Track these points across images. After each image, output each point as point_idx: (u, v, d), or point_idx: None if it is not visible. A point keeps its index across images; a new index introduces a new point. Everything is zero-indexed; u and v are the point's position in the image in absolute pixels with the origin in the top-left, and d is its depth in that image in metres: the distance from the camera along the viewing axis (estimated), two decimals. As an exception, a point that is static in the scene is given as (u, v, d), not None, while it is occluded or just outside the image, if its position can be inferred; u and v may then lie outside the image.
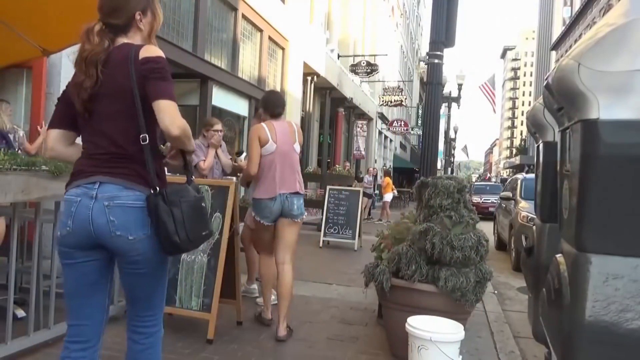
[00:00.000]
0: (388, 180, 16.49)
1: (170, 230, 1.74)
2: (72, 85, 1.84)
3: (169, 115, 1.71)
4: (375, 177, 18.08)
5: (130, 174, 1.78)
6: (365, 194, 15.62)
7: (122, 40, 1.87)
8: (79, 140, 1.94)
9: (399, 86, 25.08)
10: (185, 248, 1.82)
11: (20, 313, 3.40)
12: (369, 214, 15.65)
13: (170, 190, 1.79)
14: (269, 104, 3.81)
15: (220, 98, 10.23)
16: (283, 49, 13.45)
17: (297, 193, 3.65)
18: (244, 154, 5.04)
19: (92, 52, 1.79)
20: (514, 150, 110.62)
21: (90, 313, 1.86)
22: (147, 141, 1.77)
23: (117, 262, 1.86)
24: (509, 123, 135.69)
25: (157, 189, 1.77)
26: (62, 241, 1.80)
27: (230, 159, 4.90)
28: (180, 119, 1.74)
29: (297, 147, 3.77)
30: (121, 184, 1.77)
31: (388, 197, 15.72)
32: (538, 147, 3.27)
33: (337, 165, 15.63)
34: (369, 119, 23.84)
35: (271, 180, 3.58)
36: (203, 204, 1.90)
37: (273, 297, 3.97)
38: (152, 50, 1.80)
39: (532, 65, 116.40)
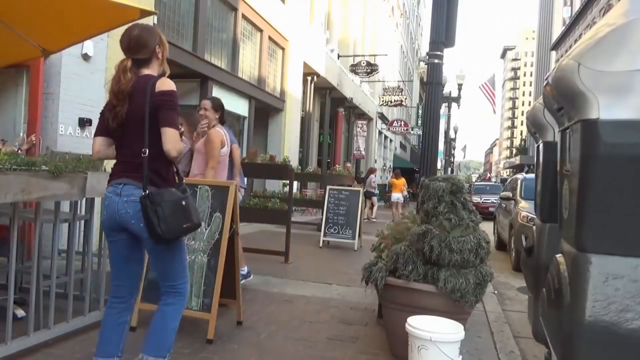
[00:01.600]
0: (396, 180, 16.10)
1: (154, 224, 2.22)
2: (108, 110, 2.36)
3: (171, 141, 2.27)
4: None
5: (135, 176, 2.31)
6: (372, 194, 15.62)
7: (144, 70, 2.39)
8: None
9: (399, 86, 25.09)
10: (167, 238, 2.27)
11: (20, 313, 3.40)
12: (374, 215, 15.45)
13: (155, 192, 2.26)
14: (224, 111, 4.50)
15: (220, 98, 10.22)
16: (283, 49, 13.46)
17: None
18: None
19: (126, 85, 2.31)
20: (514, 150, 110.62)
21: (125, 278, 2.47)
22: (147, 154, 2.29)
23: (144, 243, 2.39)
24: (509, 123, 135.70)
25: (147, 192, 2.26)
26: (103, 225, 2.46)
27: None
28: (179, 144, 2.31)
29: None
30: (135, 185, 2.30)
31: (399, 197, 15.43)
32: (538, 147, 3.26)
33: (337, 165, 15.61)
34: (369, 119, 23.84)
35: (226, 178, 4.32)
36: (184, 203, 2.31)
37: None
38: (166, 85, 2.31)
39: (532, 65, 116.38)
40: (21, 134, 5.02)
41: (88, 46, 6.04)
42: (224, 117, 4.62)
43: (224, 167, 4.51)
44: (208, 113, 4.50)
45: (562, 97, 2.10)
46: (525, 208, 7.78)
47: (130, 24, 2.47)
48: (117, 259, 2.44)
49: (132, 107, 2.29)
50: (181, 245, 2.46)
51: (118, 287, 2.46)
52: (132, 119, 2.30)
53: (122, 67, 2.34)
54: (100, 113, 2.48)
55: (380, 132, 28.24)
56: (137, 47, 2.36)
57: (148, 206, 2.22)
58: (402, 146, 38.94)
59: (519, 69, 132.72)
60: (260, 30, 12.02)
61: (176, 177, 2.43)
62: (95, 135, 2.49)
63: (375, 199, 16.02)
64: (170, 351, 2.50)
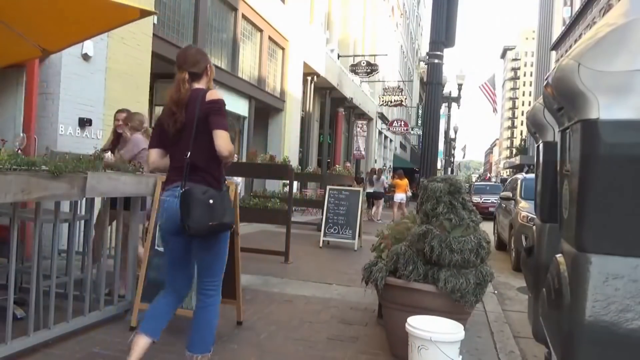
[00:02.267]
0: (400, 180, 16.03)
1: (183, 219, 2.41)
2: (168, 116, 2.57)
3: (223, 141, 2.47)
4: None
5: (196, 179, 2.53)
6: (379, 195, 15.53)
7: (196, 84, 2.64)
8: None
9: (399, 86, 25.09)
10: (195, 233, 2.44)
11: (20, 313, 3.40)
12: (379, 216, 15.36)
13: (187, 190, 2.44)
14: None
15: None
16: (283, 49, 13.46)
17: None
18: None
19: (185, 94, 2.55)
20: (514, 150, 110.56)
21: (178, 274, 2.69)
22: (188, 158, 2.50)
23: (192, 242, 2.58)
24: (509, 123, 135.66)
25: (183, 189, 2.46)
26: (161, 228, 2.68)
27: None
28: (230, 145, 2.50)
29: None
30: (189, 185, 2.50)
31: (402, 197, 15.37)
32: (538, 147, 3.26)
33: (337, 165, 15.61)
34: (369, 119, 23.84)
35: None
36: (211, 201, 2.44)
37: None
38: (214, 95, 2.58)
39: (532, 65, 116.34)
40: (21, 134, 5.02)
41: (88, 46, 6.04)
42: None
43: None
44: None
45: (562, 97, 2.10)
46: (525, 208, 7.78)
47: (187, 45, 2.78)
48: (174, 258, 2.66)
49: (187, 116, 2.53)
50: (222, 244, 2.64)
51: (172, 282, 2.70)
52: (188, 127, 2.53)
53: (181, 79, 2.59)
54: (154, 126, 2.75)
55: (380, 132, 28.24)
56: (193, 62, 2.64)
57: (181, 202, 2.43)
58: (402, 146, 38.94)
59: (519, 69, 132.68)
60: (260, 30, 12.02)
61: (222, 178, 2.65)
62: (151, 147, 2.71)
63: (382, 200, 16.04)
64: (213, 344, 2.68)
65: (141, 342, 2.54)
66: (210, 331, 2.63)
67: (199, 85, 2.64)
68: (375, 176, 15.74)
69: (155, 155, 2.68)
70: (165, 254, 2.74)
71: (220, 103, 2.55)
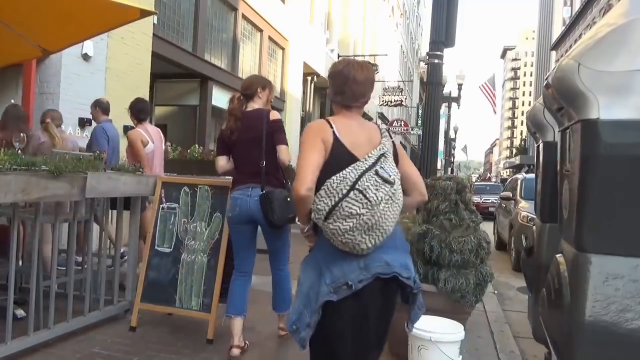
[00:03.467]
0: None
1: (268, 214, 3.05)
2: (225, 129, 3.24)
3: (284, 154, 3.20)
4: None
5: (260, 182, 3.15)
6: None
7: (251, 104, 3.30)
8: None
9: (399, 86, 25.05)
10: (278, 224, 3.11)
11: (20, 313, 3.40)
12: None
13: (269, 191, 3.09)
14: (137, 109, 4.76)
15: (220, 98, 10.21)
16: (283, 49, 13.45)
17: None
18: None
19: (239, 110, 3.26)
20: (514, 150, 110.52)
21: (246, 257, 3.29)
22: (264, 165, 3.15)
23: (262, 229, 3.22)
24: (509, 123, 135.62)
25: (264, 191, 3.10)
26: (231, 220, 3.22)
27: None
28: (288, 156, 3.23)
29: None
30: (259, 187, 3.13)
31: None
32: (538, 147, 3.26)
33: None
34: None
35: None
36: (288, 199, 3.06)
37: None
38: (276, 115, 3.29)
39: (532, 65, 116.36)
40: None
41: (88, 46, 6.04)
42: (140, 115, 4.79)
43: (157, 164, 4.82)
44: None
45: (562, 97, 2.10)
46: (525, 208, 7.78)
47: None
48: (241, 244, 3.27)
49: (247, 129, 3.18)
50: (287, 233, 3.34)
51: (240, 264, 3.28)
52: (252, 139, 3.16)
53: (237, 97, 3.33)
54: (218, 139, 3.40)
55: (380, 132, 28.17)
56: (245, 86, 3.35)
57: (265, 202, 3.06)
58: (402, 146, 38.89)
59: (519, 69, 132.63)
60: (260, 30, 12.01)
61: (283, 180, 3.27)
62: (218, 154, 3.33)
63: None
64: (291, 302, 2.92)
65: (237, 323, 3.19)
66: (287, 293, 3.32)
67: (256, 105, 3.29)
68: None
69: (223, 160, 3.29)
70: (234, 241, 3.31)
71: (281, 122, 3.30)
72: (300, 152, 1.94)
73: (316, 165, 1.88)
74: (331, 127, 1.95)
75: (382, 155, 1.91)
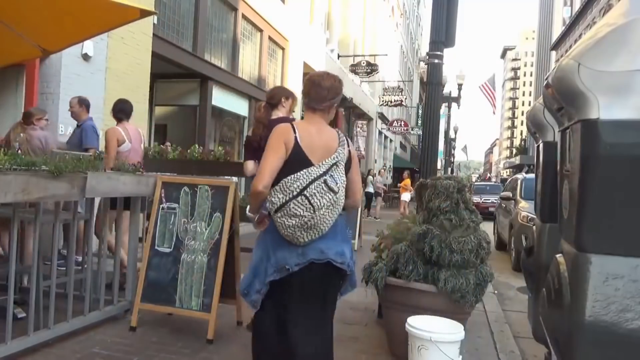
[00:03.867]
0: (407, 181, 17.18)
1: None
2: (254, 135, 3.33)
3: None
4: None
5: None
6: (379, 194, 16.69)
7: (275, 112, 3.46)
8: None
9: (399, 86, 25.06)
10: None
11: (20, 313, 3.40)
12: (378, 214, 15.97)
13: None
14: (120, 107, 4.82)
15: (220, 98, 10.22)
16: (283, 49, 13.45)
17: None
18: None
19: (265, 118, 3.38)
20: (514, 150, 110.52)
21: None
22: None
23: None
24: (509, 123, 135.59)
25: None
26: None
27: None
28: None
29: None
30: None
31: (408, 196, 16.19)
32: (538, 147, 3.26)
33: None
34: (369, 119, 23.82)
35: None
36: None
37: None
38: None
39: (532, 65, 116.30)
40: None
41: (88, 46, 6.05)
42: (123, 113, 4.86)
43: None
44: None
45: (562, 97, 2.10)
46: (525, 208, 7.78)
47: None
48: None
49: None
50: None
51: None
52: None
53: (262, 105, 3.52)
54: (245, 144, 3.55)
55: (380, 132, 28.21)
56: (269, 96, 3.52)
57: None
58: (402, 146, 38.92)
59: (519, 69, 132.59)
60: (260, 30, 12.01)
61: None
62: (246, 159, 3.43)
63: (380, 198, 17.22)
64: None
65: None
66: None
67: (280, 113, 3.44)
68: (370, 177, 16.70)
69: (251, 165, 3.37)
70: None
71: None
72: (265, 152, 2.28)
73: (275, 167, 2.23)
74: (294, 131, 2.29)
75: (334, 164, 2.25)
